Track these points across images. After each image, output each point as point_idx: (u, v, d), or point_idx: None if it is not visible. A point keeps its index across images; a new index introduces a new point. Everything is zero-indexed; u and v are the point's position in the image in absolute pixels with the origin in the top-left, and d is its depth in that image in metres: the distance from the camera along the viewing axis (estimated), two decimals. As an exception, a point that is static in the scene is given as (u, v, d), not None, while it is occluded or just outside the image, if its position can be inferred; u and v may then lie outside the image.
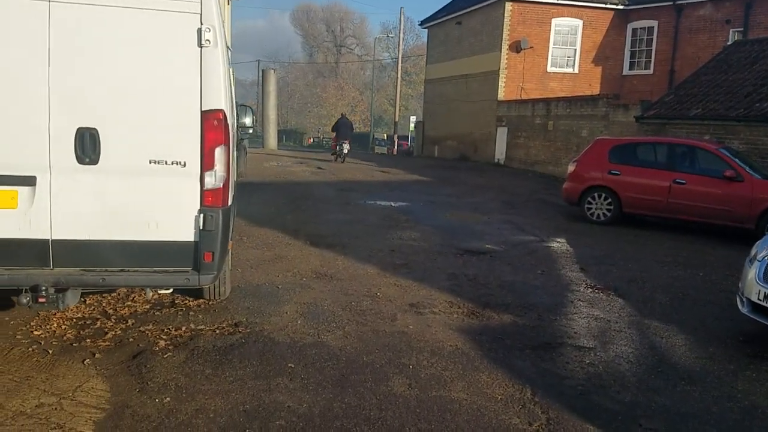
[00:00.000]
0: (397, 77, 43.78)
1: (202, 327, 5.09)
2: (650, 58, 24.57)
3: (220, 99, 4.22)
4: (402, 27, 43.21)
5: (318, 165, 21.21)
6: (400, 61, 44.03)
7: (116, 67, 4.08)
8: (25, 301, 4.06)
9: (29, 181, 4.04)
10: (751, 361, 5.05)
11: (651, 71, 24.58)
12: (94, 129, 4.07)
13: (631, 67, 25.26)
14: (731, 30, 21.68)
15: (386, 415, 3.81)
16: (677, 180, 10.89)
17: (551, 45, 24.58)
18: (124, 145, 4.13)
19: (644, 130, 16.33)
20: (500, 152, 24.64)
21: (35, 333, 4.79)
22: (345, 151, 23.05)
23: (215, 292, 5.58)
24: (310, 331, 5.17)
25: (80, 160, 4.07)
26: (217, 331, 5.02)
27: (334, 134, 23.75)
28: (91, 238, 4.16)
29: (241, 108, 8.57)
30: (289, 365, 4.45)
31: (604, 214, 11.64)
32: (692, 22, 23.16)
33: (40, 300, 4.06)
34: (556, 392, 4.28)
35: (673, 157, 11.28)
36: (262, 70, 33.65)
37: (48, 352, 4.45)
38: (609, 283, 7.28)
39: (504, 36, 24.10)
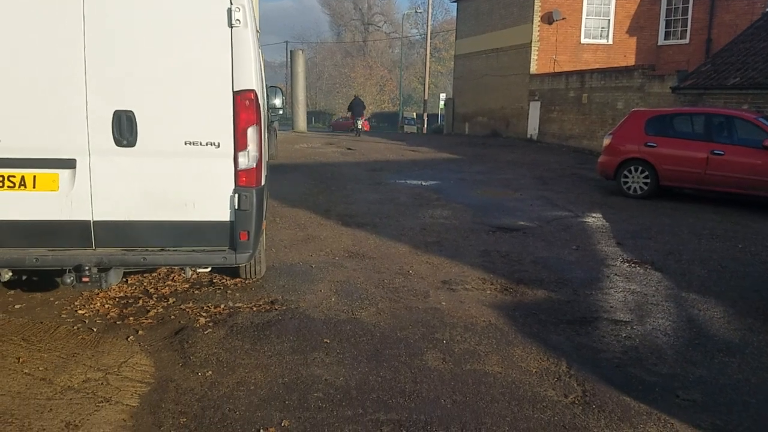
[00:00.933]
0: (426, 54, 43.34)
1: (239, 305, 5.20)
2: (686, 27, 23.83)
3: (251, 79, 4.26)
4: (431, 2, 42.69)
5: (348, 146, 21.24)
6: (428, 38, 43.57)
7: (150, 50, 4.14)
8: (69, 281, 4.19)
9: (69, 164, 4.16)
10: (792, 333, 4.96)
11: (687, 41, 23.86)
12: (131, 111, 4.15)
13: (666, 37, 24.55)
14: (771, -5, 20.93)
15: (421, 388, 3.86)
16: (715, 151, 10.63)
17: (584, 15, 23.99)
18: (159, 127, 4.21)
19: (681, 101, 15.94)
20: (533, 127, 24.30)
21: (80, 312, 4.96)
22: (359, 126, 27.26)
23: (251, 271, 5.69)
24: (344, 308, 5.24)
25: (118, 142, 4.16)
26: (254, 309, 5.12)
27: (350, 113, 27.77)
28: (131, 218, 4.27)
29: (270, 89, 8.62)
30: (325, 340, 4.53)
31: (640, 187, 11.44)
32: (730, -12, 22.40)
33: (84, 280, 4.19)
34: (591, 365, 4.27)
35: (711, 128, 10.99)
36: (291, 51, 33.61)
37: (93, 330, 4.61)
38: (646, 257, 7.18)
39: (536, 7, 23.61)
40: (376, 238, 7.81)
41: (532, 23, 23.80)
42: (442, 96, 45.07)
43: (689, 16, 23.65)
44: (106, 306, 5.10)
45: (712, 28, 22.88)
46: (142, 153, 4.20)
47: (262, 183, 4.63)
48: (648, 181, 11.35)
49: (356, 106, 27.13)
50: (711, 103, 14.79)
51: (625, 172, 11.60)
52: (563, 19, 23.58)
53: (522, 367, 4.22)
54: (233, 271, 5.72)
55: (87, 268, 4.17)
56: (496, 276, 6.31)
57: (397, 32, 65.70)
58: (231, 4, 4.15)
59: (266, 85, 7.11)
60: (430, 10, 43.27)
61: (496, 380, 4.00)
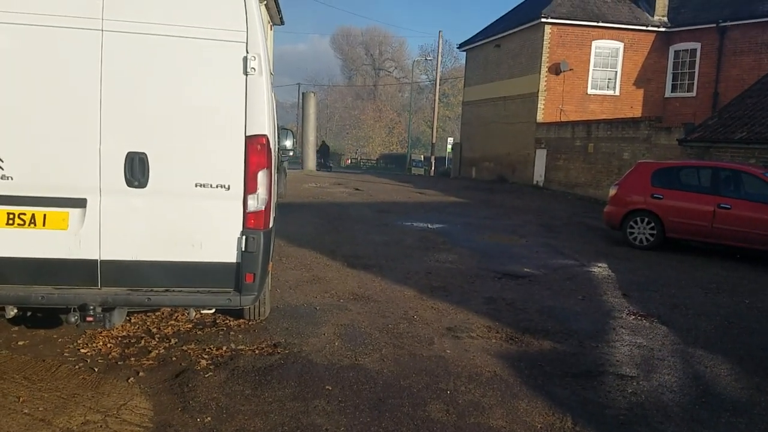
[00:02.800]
0: (435, 99, 43.96)
1: (242, 347, 5.16)
2: (693, 80, 24.16)
3: (264, 125, 4.32)
4: (440, 50, 43.48)
5: (355, 186, 21.37)
6: (437, 84, 44.25)
7: (165, 94, 4.22)
8: (73, 320, 4.17)
9: (80, 203, 4.19)
10: (801, 394, 4.88)
11: (694, 94, 24.15)
12: (143, 153, 4.20)
13: (673, 90, 24.87)
14: (777, 52, 21.22)
15: (424, 441, 3.79)
16: (722, 205, 10.64)
17: (591, 67, 24.41)
18: (171, 169, 4.25)
19: (687, 153, 16.03)
20: (539, 174, 24.44)
21: (82, 351, 4.93)
22: (330, 165, 37.93)
23: (255, 312, 5.67)
24: (347, 353, 5.20)
25: (129, 183, 4.21)
26: (257, 351, 5.08)
27: (319, 154, 33.56)
28: (138, 258, 4.28)
29: (282, 131, 8.75)
30: (327, 387, 4.47)
31: (646, 238, 11.42)
32: (736, 45, 22.72)
33: (88, 319, 4.18)
34: (597, 422, 4.20)
35: (718, 182, 11.03)
36: (303, 93, 34.19)
37: (94, 370, 4.57)
38: (652, 310, 7.12)
39: (543, 58, 24.05)
40: (381, 281, 7.79)
41: (540, 74, 24.19)
42: (450, 140, 45.47)
43: (696, 70, 24.00)
44: (109, 345, 5.07)
45: (719, 82, 23.17)
46: (152, 194, 4.24)
47: (270, 225, 4.65)
48: (654, 232, 11.34)
49: (323, 149, 37.30)
50: (718, 156, 14.86)
51: (632, 223, 11.61)
52: (570, 70, 23.97)
53: (527, 422, 4.15)
54: (237, 312, 5.70)
55: (92, 307, 4.16)
56: (502, 324, 6.26)
57: (407, 77, 66.78)
58: (247, 53, 4.24)
59: (278, 126, 7.21)
60: (440, 58, 44.06)
61: (499, 434, 3.93)
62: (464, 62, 34.41)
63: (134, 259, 4.27)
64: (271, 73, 5.17)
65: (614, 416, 4.31)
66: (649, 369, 5.27)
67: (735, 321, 6.87)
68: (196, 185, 4.28)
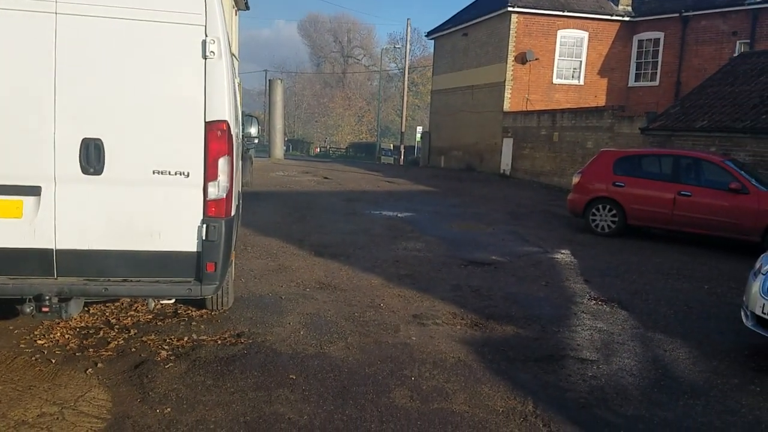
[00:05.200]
0: (404, 88, 43.89)
1: (204, 337, 5.10)
2: (656, 69, 24.57)
3: (224, 110, 4.25)
4: (409, 38, 43.36)
5: (324, 175, 21.26)
6: (406, 72, 44.17)
7: (121, 79, 4.12)
8: (28, 310, 4.08)
9: (34, 191, 4.08)
10: (755, 375, 5.02)
11: (657, 83, 24.57)
12: (99, 140, 4.10)
13: (636, 79, 25.26)
14: (738, 41, 21.66)
15: (387, 428, 3.80)
16: (682, 192, 10.86)
17: (557, 56, 24.62)
18: (128, 155, 4.16)
19: (650, 141, 16.31)
20: (506, 163, 24.64)
21: (39, 342, 4.81)
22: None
23: (218, 302, 5.60)
24: (312, 342, 5.17)
25: (85, 170, 4.10)
26: (219, 342, 5.03)
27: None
28: (95, 247, 4.18)
29: (246, 118, 8.64)
30: (291, 376, 4.45)
31: (608, 225, 11.61)
32: (699, 34, 23.15)
33: (44, 309, 4.09)
34: (558, 405, 4.26)
35: (678, 169, 11.24)
36: (269, 80, 33.84)
37: (51, 362, 4.47)
38: (613, 296, 7.25)
39: (510, 47, 24.17)
40: (348, 270, 7.77)
41: (506, 63, 24.33)
42: (419, 129, 45.53)
43: (659, 59, 24.40)
44: (66, 336, 4.96)
45: (682, 71, 23.60)
46: (109, 181, 4.14)
47: (232, 213, 4.59)
48: (616, 219, 11.53)
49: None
50: (679, 144, 15.15)
51: (594, 210, 11.78)
52: (536, 59, 24.16)
53: (489, 406, 4.19)
54: (199, 302, 5.62)
55: (47, 297, 4.06)
56: (467, 311, 6.30)
57: (376, 65, 66.55)
58: (206, 36, 4.15)
59: (242, 114, 7.10)
60: (408, 46, 43.96)
61: (462, 420, 3.96)
62: (432, 51, 34.40)
63: (91, 248, 4.18)
64: (235, 58, 5.08)
65: (575, 399, 4.38)
66: (610, 353, 5.36)
67: (694, 306, 7.03)
68: (154, 172, 4.20)
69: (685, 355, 5.43)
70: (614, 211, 11.54)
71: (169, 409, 3.86)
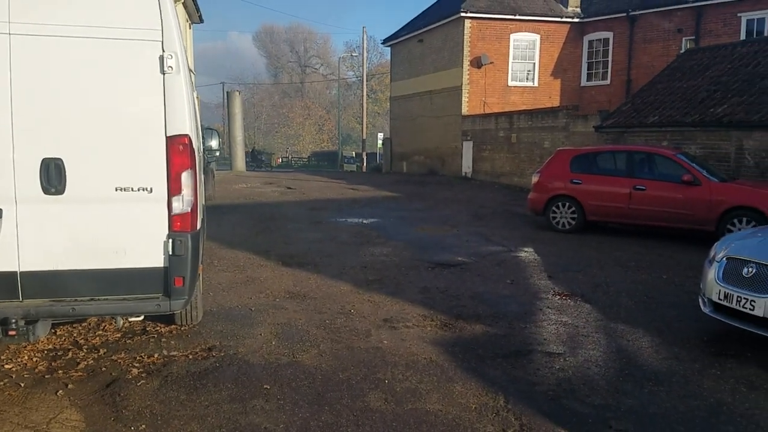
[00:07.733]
0: (363, 95, 44.07)
1: (174, 353, 5.07)
2: (607, 68, 25.22)
3: (185, 124, 4.26)
4: (365, 46, 43.58)
5: (287, 185, 21.20)
6: (365, 80, 44.35)
7: (80, 97, 4.09)
8: (-5, 335, 4.02)
9: (-5, 213, 4.02)
10: (715, 360, 5.21)
11: (608, 81, 25.22)
12: (59, 159, 4.07)
13: (588, 79, 25.88)
14: (683, 38, 22.37)
15: (363, 431, 3.85)
16: (637, 186, 11.18)
17: (511, 60, 25.08)
18: (89, 173, 4.13)
19: (604, 139, 16.74)
20: (467, 166, 24.95)
21: (6, 366, 4.72)
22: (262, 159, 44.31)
23: (187, 317, 5.58)
24: (284, 351, 5.19)
25: (46, 190, 4.06)
26: (191, 357, 5.01)
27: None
28: (60, 268, 4.14)
29: (207, 131, 8.59)
30: (265, 386, 4.47)
31: (568, 222, 11.88)
32: (646, 32, 23.86)
33: (11, 333, 4.03)
34: (528, 398, 4.37)
35: (632, 164, 11.57)
36: (227, 92, 33.56)
37: (20, 385, 4.40)
38: (576, 290, 7.44)
39: (465, 52, 24.53)
40: (317, 278, 7.80)
41: (462, 67, 24.68)
42: (380, 135, 45.74)
43: (609, 59, 25.06)
44: (34, 359, 4.88)
45: (631, 69, 24.28)
46: (71, 200, 4.11)
47: (198, 227, 4.59)
48: (575, 216, 11.81)
49: (253, 155, 43.88)
50: (632, 140, 15.58)
51: (554, 208, 12.06)
52: (491, 63, 24.57)
53: (462, 403, 4.28)
54: (168, 318, 5.59)
55: (14, 321, 4.00)
56: (436, 312, 6.39)
57: (334, 74, 66.63)
58: (163, 51, 4.16)
59: (202, 127, 7.07)
60: (365, 54, 44.15)
61: (437, 418, 4.04)
62: (389, 58, 34.63)
63: (56, 268, 4.13)
64: (192, 72, 5.09)
65: (544, 392, 4.50)
66: (575, 345, 5.52)
67: (654, 296, 7.26)
68: (116, 189, 4.18)
69: (648, 343, 5.61)
70: (573, 208, 11.82)
71: (143, 426, 3.85)
